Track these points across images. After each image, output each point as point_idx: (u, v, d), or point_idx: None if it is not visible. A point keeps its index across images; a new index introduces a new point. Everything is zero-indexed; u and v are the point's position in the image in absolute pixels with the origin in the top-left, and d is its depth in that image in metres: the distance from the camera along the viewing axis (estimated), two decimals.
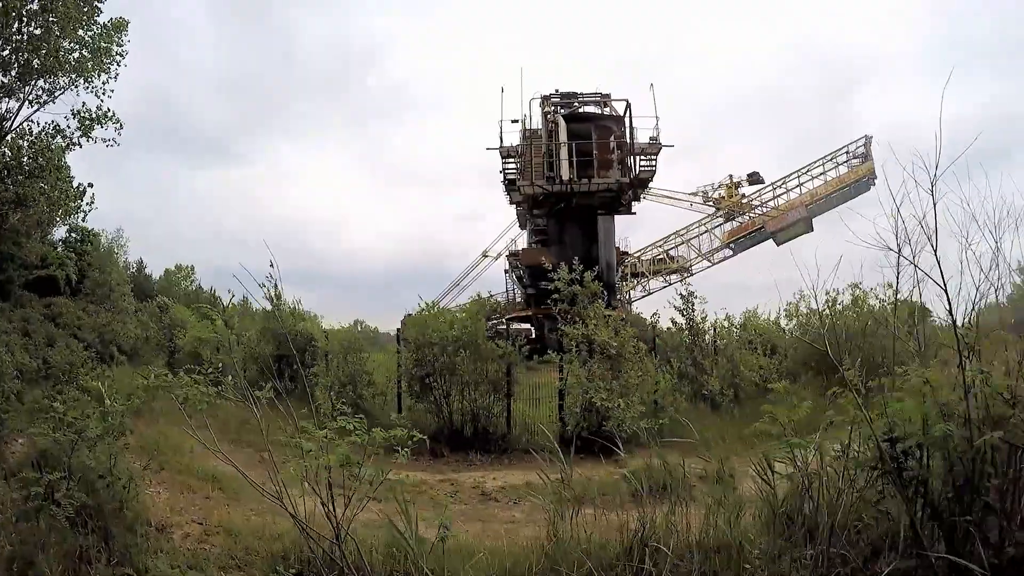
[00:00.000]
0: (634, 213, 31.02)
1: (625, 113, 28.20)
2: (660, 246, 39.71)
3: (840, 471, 4.54)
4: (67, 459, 5.24)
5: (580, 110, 29.56)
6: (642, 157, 28.13)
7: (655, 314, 15.40)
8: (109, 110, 17.12)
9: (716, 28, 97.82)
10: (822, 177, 36.69)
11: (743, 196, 37.54)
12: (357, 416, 4.55)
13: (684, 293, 15.84)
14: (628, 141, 27.60)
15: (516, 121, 29.11)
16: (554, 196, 28.43)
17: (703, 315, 16.04)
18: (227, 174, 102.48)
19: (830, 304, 17.89)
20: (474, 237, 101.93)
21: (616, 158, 27.25)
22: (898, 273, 4.70)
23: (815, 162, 37.04)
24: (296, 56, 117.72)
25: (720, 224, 38.44)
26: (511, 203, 32.52)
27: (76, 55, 16.46)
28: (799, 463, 4.80)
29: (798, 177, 37.17)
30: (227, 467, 10.18)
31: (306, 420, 4.72)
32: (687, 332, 15.90)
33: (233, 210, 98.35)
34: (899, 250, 4.51)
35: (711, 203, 37.70)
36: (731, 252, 38.19)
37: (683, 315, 15.82)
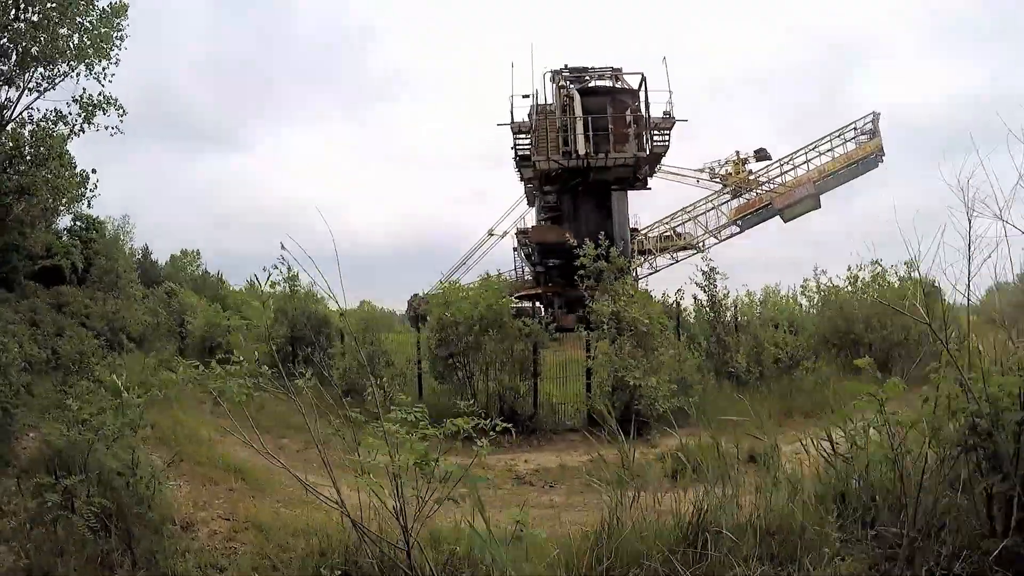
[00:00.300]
0: (649, 188, 30.31)
1: (640, 87, 27.24)
2: (667, 223, 38.94)
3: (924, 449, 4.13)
4: (84, 459, 4.65)
5: (593, 84, 28.56)
6: (655, 132, 27.34)
7: (679, 291, 14.77)
8: (112, 96, 16.64)
9: (715, 27, 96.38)
10: (830, 154, 35.84)
11: (750, 173, 36.70)
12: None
13: (706, 269, 15.27)
14: (645, 115, 26.72)
15: (527, 96, 28.28)
16: (570, 171, 27.53)
17: (725, 291, 15.52)
18: (227, 159, 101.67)
19: (851, 280, 17.64)
20: (475, 219, 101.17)
21: (633, 132, 26.39)
22: (970, 243, 4.29)
23: (823, 138, 36.11)
24: (293, 41, 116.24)
25: (727, 201, 37.54)
26: (521, 180, 31.63)
27: (75, 41, 15.98)
28: (895, 440, 4.37)
29: (805, 154, 36.26)
30: (248, 455, 9.68)
31: (349, 410, 4.19)
32: (708, 309, 15.36)
33: (233, 195, 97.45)
34: (970, 219, 4.12)
35: (718, 180, 36.84)
36: (738, 229, 37.27)
37: (705, 291, 15.27)
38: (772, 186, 36.16)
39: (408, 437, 3.59)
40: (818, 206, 35.19)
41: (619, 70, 28.30)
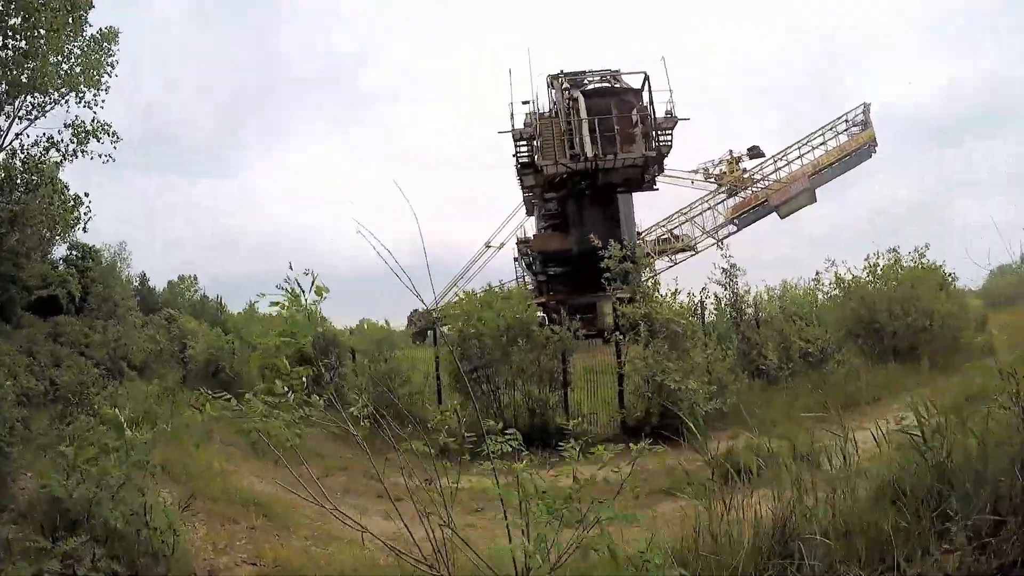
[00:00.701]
0: (656, 189, 29.39)
1: (643, 86, 26.35)
2: (664, 225, 38.24)
3: None
4: (86, 512, 3.75)
5: (597, 85, 27.48)
6: (658, 132, 26.39)
7: (704, 289, 13.89)
8: (106, 123, 16.11)
9: (712, 27, 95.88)
10: (823, 147, 35.30)
11: (744, 171, 36.09)
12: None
13: (726, 266, 14.46)
14: (651, 114, 25.74)
15: (527, 102, 27.42)
16: (578, 174, 26.44)
17: (746, 287, 14.77)
18: (222, 176, 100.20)
19: (871, 269, 16.97)
20: (471, 228, 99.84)
21: (640, 132, 25.44)
22: None
23: (815, 132, 35.63)
24: (292, 43, 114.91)
25: (723, 200, 36.87)
26: (523, 187, 30.54)
27: (66, 68, 15.46)
28: None
29: (798, 148, 35.71)
30: (265, 487, 8.77)
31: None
32: (730, 307, 14.58)
33: (229, 214, 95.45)
34: None
35: (712, 179, 36.24)
36: (735, 228, 36.57)
37: (726, 288, 14.47)
38: (767, 183, 35.56)
39: (534, 475, 2.75)
40: (813, 200, 34.71)
41: (617, 72, 27.42)
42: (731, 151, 36.23)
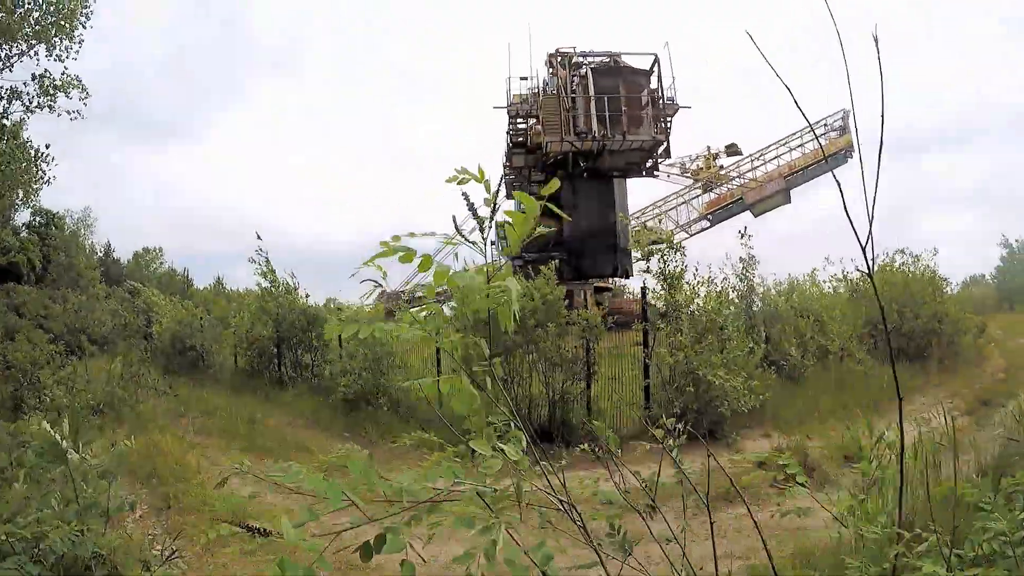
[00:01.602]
0: (657, 175, 27.75)
1: (652, 68, 24.45)
2: (638, 218, 37.01)
3: None
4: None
5: (602, 64, 25.48)
6: (665, 117, 24.51)
7: (725, 279, 12.45)
8: (76, 76, 14.39)
9: (709, 25, 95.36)
10: (800, 150, 34.40)
11: (720, 168, 35.04)
12: None
13: (744, 256, 13.11)
14: (661, 96, 23.84)
15: (526, 78, 25.48)
16: (582, 155, 24.29)
17: (759, 280, 13.56)
18: (184, 155, 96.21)
19: (882, 270, 16.17)
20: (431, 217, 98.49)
21: (649, 114, 23.70)
22: None
23: (793, 134, 34.73)
24: (251, 32, 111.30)
25: (698, 195, 35.89)
26: (510, 167, 28.30)
27: (37, 15, 13.71)
28: None
29: (776, 149, 34.82)
30: (251, 490, 7.09)
31: None
32: (742, 300, 13.30)
33: (188, 192, 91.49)
34: None
35: (688, 175, 35.10)
36: (708, 223, 35.70)
37: (742, 280, 13.15)
38: (743, 181, 34.63)
39: None
40: (788, 201, 33.93)
41: (618, 55, 25.59)
42: (708, 147, 35.16)
